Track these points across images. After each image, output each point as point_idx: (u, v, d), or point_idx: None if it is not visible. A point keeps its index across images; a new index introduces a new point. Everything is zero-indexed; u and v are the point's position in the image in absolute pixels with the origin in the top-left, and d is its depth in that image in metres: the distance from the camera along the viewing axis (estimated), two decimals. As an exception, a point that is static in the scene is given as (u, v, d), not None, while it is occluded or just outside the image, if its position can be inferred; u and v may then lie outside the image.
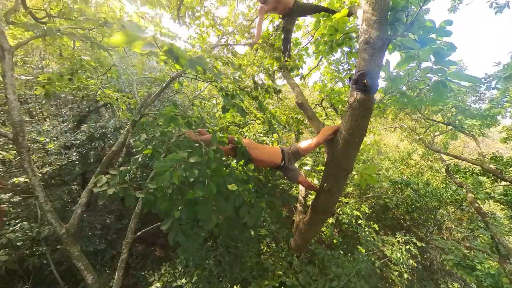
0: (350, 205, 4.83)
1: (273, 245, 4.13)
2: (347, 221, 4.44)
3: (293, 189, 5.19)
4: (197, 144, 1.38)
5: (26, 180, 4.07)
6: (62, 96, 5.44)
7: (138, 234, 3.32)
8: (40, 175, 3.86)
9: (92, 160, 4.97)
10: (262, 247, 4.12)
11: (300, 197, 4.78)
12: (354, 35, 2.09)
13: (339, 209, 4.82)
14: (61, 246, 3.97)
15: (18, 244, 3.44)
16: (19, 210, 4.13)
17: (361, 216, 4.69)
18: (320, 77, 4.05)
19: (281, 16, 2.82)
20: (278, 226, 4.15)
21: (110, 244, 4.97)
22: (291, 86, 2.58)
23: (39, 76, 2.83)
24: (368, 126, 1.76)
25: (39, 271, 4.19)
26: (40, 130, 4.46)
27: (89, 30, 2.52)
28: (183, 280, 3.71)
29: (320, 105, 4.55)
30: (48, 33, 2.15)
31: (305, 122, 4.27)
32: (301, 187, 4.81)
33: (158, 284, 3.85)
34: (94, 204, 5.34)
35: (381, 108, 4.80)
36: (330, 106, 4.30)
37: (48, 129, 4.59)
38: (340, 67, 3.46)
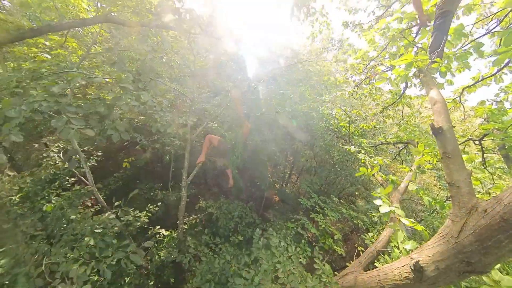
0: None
1: (304, 243, 3.19)
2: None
3: (370, 233, 3.86)
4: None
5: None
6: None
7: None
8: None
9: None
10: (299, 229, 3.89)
11: (373, 248, 3.54)
12: None
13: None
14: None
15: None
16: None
17: None
18: (497, 94, 2.27)
19: None
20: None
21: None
22: (431, 100, 1.64)
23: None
24: None
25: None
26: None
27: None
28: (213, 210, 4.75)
29: (476, 141, 2.60)
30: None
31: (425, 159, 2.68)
32: (382, 237, 3.51)
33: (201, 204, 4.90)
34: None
35: None
36: (499, 150, 2.38)
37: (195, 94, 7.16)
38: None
